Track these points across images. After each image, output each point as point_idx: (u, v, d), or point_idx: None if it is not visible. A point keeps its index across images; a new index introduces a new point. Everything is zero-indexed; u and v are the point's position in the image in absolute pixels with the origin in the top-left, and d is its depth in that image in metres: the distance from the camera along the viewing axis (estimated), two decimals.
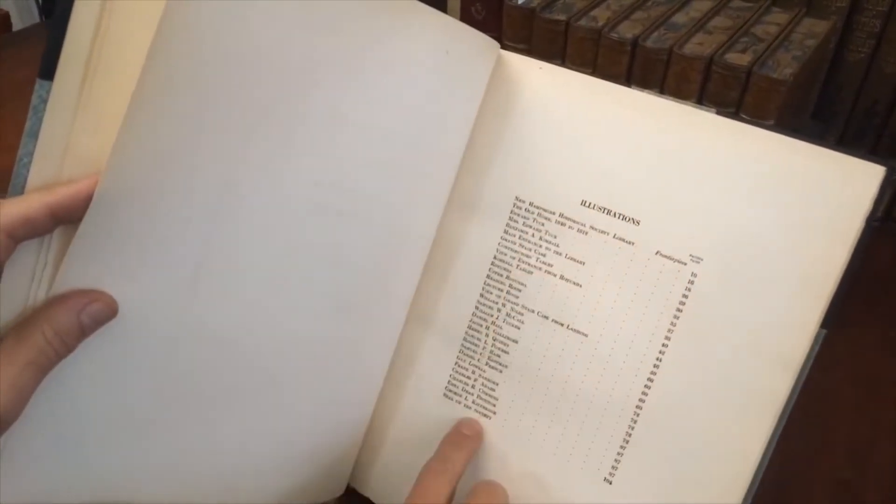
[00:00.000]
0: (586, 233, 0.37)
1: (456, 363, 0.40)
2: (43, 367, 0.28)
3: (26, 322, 0.28)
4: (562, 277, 0.38)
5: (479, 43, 0.38)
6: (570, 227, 0.37)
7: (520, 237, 0.39)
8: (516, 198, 0.39)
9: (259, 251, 0.33)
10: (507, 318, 0.39)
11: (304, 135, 0.32)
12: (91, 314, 0.28)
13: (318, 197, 0.34)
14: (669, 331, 0.36)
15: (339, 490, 0.42)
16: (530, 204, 0.38)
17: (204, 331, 0.33)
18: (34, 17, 1.26)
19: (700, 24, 0.59)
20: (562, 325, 0.38)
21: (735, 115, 0.54)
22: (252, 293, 0.33)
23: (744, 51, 0.56)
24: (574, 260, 0.37)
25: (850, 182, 0.33)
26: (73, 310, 0.28)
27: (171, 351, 0.32)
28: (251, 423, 0.36)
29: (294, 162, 0.32)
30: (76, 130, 0.28)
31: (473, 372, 0.40)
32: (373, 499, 0.42)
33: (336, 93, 0.33)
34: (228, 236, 0.32)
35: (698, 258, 0.35)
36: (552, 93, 0.38)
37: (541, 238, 0.38)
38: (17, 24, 1.17)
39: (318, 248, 0.35)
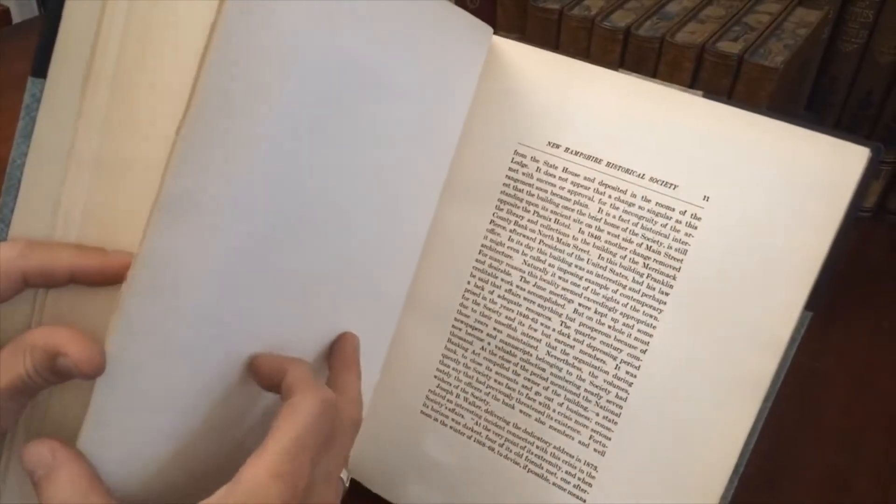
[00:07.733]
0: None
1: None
2: (29, 393, 0.26)
3: (14, 346, 0.26)
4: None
5: (472, 26, 0.37)
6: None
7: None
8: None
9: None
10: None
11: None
12: (64, 366, 0.25)
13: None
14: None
15: None
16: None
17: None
18: (34, 11, 1.27)
19: (693, 14, 0.60)
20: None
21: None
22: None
23: (735, 39, 0.56)
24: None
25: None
26: (49, 352, 0.25)
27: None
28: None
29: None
30: (82, 133, 0.26)
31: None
32: (370, 487, 0.43)
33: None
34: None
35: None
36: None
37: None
38: (16, 19, 1.18)
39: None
